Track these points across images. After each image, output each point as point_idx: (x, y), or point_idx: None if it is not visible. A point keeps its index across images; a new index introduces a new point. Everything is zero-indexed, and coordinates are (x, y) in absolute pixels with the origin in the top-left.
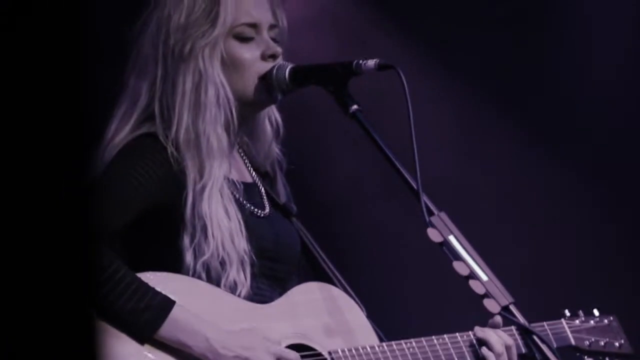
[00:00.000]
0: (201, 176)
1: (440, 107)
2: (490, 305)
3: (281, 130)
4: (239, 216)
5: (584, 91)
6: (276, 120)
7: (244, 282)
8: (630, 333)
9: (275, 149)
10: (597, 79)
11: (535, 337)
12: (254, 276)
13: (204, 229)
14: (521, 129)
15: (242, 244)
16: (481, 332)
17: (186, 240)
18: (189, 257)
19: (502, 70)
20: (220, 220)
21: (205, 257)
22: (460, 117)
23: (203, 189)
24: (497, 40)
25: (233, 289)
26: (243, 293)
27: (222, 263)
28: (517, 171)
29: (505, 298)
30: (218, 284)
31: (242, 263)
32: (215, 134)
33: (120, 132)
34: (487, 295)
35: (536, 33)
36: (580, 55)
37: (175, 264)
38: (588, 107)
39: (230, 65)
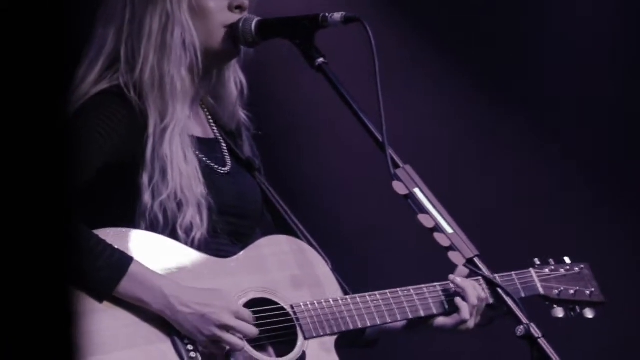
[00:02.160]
0: (163, 118)
1: (412, 70)
2: (455, 257)
3: (245, 91)
4: (196, 163)
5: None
6: (241, 81)
7: (200, 225)
8: (602, 281)
9: (241, 112)
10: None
11: (499, 290)
12: (214, 233)
13: (163, 170)
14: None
15: (200, 187)
16: (460, 281)
17: (145, 180)
18: (147, 197)
19: (478, 33)
20: (179, 162)
21: (162, 197)
22: (432, 81)
23: (164, 130)
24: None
25: (189, 230)
26: (198, 236)
27: (179, 205)
28: (487, 126)
29: (470, 250)
30: (174, 226)
31: (199, 206)
32: (180, 76)
33: (86, 80)
34: (451, 247)
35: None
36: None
37: (133, 204)
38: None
39: (197, 11)
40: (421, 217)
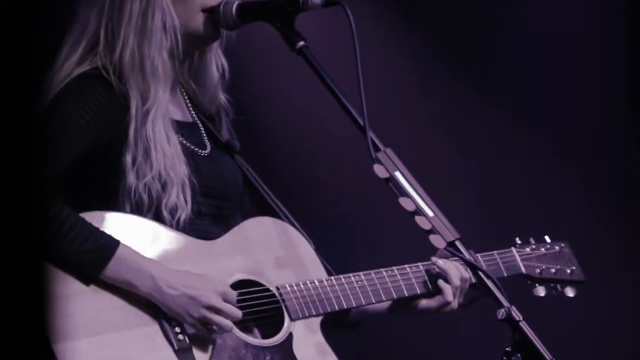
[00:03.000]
0: (145, 101)
1: (391, 54)
2: (436, 240)
3: (227, 75)
4: (178, 144)
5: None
6: (222, 65)
7: (184, 205)
8: (582, 259)
9: (221, 96)
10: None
11: (480, 273)
12: (198, 214)
13: (146, 151)
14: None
15: (183, 168)
16: (442, 263)
17: (128, 160)
18: (131, 178)
19: (454, 16)
20: (162, 144)
21: (147, 178)
22: (411, 65)
23: (147, 113)
24: None
25: (174, 211)
26: (183, 216)
27: (164, 185)
28: (465, 112)
29: (451, 234)
30: (159, 206)
31: (182, 186)
32: (161, 58)
33: (68, 61)
34: (433, 230)
35: None
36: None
37: (117, 186)
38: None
39: None
40: (402, 200)
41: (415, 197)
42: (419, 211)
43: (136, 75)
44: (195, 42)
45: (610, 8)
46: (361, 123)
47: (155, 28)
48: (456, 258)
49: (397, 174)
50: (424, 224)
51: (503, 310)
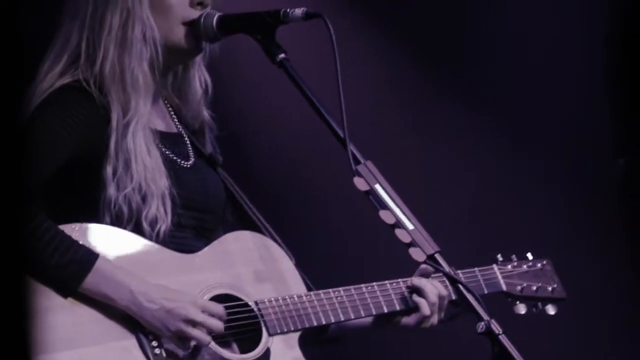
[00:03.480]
0: (125, 112)
1: (372, 66)
2: (416, 253)
3: (210, 90)
4: (159, 156)
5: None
6: (205, 80)
7: (164, 217)
8: (563, 277)
9: (205, 111)
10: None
11: (460, 286)
12: (179, 226)
13: (127, 162)
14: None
15: (164, 180)
16: (417, 281)
17: (109, 172)
18: (111, 189)
19: (433, 28)
20: (143, 156)
21: (127, 190)
22: (391, 77)
23: (127, 125)
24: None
25: (153, 223)
26: (163, 228)
27: (144, 197)
28: (446, 123)
29: (430, 247)
30: (139, 218)
31: (163, 198)
32: (141, 70)
33: (50, 74)
34: (412, 243)
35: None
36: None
37: (97, 197)
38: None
39: (158, 7)
40: (382, 213)
41: (395, 210)
42: (398, 224)
43: (117, 86)
44: (177, 55)
45: (589, 8)
46: (341, 135)
47: (136, 39)
48: (438, 274)
49: (377, 187)
50: (404, 237)
51: (483, 323)
